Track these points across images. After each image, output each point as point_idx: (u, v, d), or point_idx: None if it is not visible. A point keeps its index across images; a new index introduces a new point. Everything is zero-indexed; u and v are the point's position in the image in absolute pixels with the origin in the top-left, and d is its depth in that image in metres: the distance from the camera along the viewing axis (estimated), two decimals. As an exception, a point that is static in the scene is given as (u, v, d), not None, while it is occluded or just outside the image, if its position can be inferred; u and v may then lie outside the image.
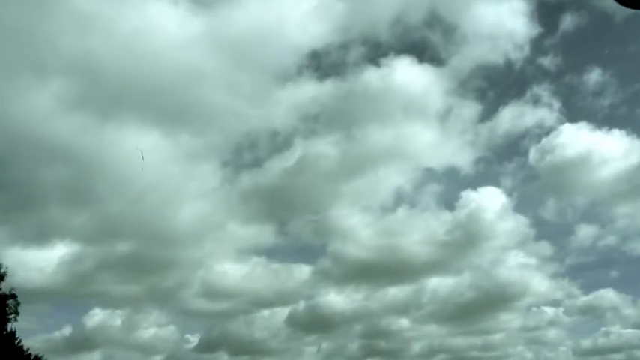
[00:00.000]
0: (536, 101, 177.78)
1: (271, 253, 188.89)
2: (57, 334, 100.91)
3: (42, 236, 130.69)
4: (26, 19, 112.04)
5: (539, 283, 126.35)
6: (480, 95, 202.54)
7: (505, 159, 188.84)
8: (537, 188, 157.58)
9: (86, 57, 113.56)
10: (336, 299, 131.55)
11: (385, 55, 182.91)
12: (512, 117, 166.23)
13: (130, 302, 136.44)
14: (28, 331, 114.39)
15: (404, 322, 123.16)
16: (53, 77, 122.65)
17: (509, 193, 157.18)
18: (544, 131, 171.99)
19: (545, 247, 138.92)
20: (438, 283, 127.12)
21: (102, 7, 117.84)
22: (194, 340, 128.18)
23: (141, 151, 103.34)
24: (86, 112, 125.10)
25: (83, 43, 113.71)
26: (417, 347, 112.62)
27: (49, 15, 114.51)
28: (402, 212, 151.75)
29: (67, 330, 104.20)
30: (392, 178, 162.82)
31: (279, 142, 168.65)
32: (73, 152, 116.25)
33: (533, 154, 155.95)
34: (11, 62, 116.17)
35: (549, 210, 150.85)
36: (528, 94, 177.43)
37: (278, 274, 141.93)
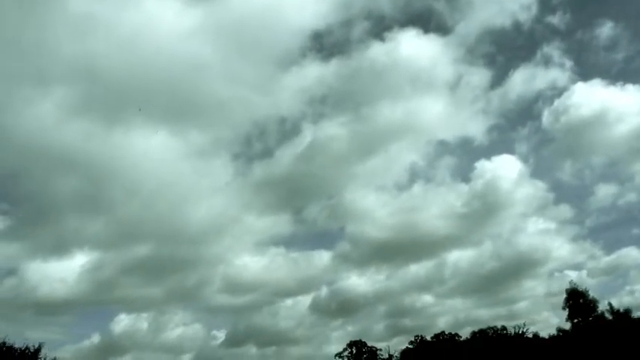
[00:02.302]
0: (547, 62, 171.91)
1: (289, 242, 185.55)
2: (86, 342, 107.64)
3: (60, 247, 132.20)
4: (22, 28, 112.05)
5: (561, 248, 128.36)
6: (489, 61, 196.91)
7: (519, 124, 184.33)
8: (553, 151, 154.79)
9: (86, 61, 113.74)
10: (358, 282, 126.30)
11: (389, 28, 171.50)
12: (524, 80, 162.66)
13: (154, 305, 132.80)
14: (57, 342, 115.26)
15: (427, 298, 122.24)
16: (55, 85, 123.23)
17: (524, 160, 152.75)
18: (557, 92, 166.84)
19: (565, 211, 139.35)
20: (459, 257, 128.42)
21: (97, 8, 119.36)
22: (221, 335, 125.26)
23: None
24: (92, 118, 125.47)
25: (82, 48, 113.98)
26: (442, 322, 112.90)
27: (45, 22, 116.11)
28: (417, 188, 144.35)
29: (95, 338, 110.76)
30: (405, 154, 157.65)
31: (288, 129, 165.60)
32: (82, 159, 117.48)
33: (546, 117, 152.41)
34: (11, 73, 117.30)
35: (567, 172, 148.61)
36: (539, 55, 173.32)
37: (298, 262, 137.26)
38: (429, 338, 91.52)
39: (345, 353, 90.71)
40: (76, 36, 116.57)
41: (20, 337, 24.28)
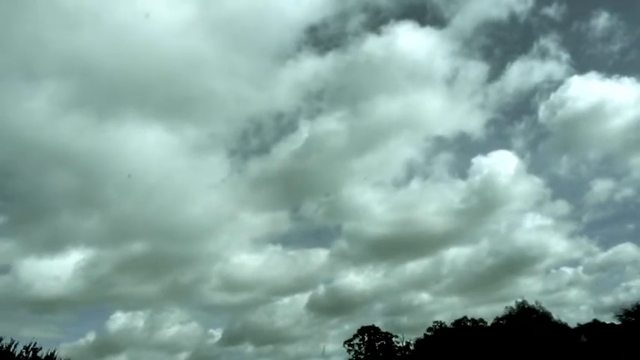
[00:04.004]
0: (543, 54, 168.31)
1: (286, 240, 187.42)
2: (81, 341, 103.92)
3: (54, 245, 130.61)
4: (12, 22, 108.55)
5: (558, 244, 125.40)
6: (486, 54, 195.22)
7: (515, 119, 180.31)
8: (550, 146, 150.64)
9: (77, 55, 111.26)
10: (356, 280, 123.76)
11: (385, 21, 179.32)
12: (520, 73, 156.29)
13: (150, 303, 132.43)
14: (52, 341, 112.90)
15: (425, 296, 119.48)
16: (46, 80, 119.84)
17: (521, 155, 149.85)
18: (553, 86, 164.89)
19: (562, 206, 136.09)
20: (457, 254, 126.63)
21: (89, 2, 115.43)
22: (217, 334, 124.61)
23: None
24: (84, 113, 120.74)
25: (74, 42, 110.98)
26: (439, 320, 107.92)
27: (36, 15, 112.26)
28: (415, 184, 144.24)
29: (91, 336, 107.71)
30: (402, 150, 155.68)
31: (285, 124, 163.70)
32: (75, 156, 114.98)
33: (543, 111, 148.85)
34: (2, 67, 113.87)
35: (563, 167, 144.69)
36: (535, 47, 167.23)
37: (295, 260, 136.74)
38: (449, 325, 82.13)
39: (356, 340, 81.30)
40: (68, 30, 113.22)
41: (15, 335, 19.76)
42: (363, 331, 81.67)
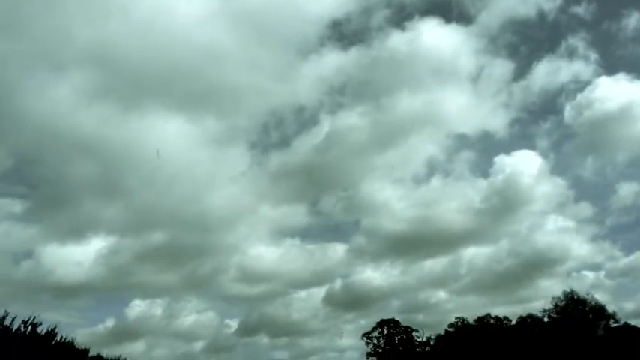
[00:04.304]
0: (571, 54, 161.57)
1: (305, 233, 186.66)
2: (101, 327, 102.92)
3: (77, 231, 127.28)
4: (38, 13, 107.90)
5: (580, 247, 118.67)
6: (512, 52, 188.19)
7: (540, 119, 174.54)
8: (575, 147, 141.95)
9: (102, 46, 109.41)
10: (373, 275, 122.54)
11: (410, 17, 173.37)
12: (547, 73, 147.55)
13: (168, 291, 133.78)
14: (72, 325, 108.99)
15: (442, 294, 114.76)
16: (71, 70, 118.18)
17: (545, 155, 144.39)
18: (580, 86, 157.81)
19: (585, 209, 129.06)
20: (476, 253, 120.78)
21: None
22: (234, 324, 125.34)
23: (157, 150, 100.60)
24: (108, 103, 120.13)
25: (98, 32, 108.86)
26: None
27: (61, 6, 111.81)
28: (435, 182, 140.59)
29: (110, 322, 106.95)
30: (424, 147, 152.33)
31: (306, 118, 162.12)
32: (98, 145, 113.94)
33: (569, 112, 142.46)
34: (28, 58, 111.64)
35: (588, 169, 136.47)
36: (563, 46, 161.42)
37: (313, 254, 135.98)
38: (471, 321, 79.44)
39: (375, 333, 79.21)
40: (95, 21, 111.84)
41: (38, 318, 18.22)
42: (382, 324, 79.58)
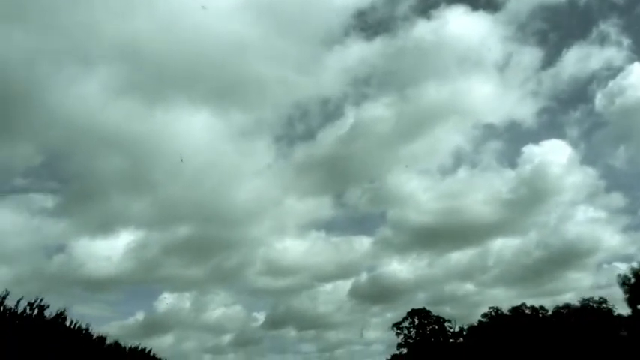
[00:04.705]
0: (602, 40, 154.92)
1: (330, 226, 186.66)
2: (131, 319, 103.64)
3: (106, 226, 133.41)
4: (65, 8, 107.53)
5: (611, 238, 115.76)
6: (541, 39, 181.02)
7: (570, 107, 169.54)
8: (606, 136, 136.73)
9: (128, 41, 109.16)
10: (399, 268, 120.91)
11: (436, 5, 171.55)
12: (577, 60, 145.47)
13: (196, 284, 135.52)
14: (104, 319, 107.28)
15: (469, 286, 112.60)
16: (98, 65, 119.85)
17: (575, 145, 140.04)
18: (611, 73, 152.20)
19: (617, 199, 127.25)
20: (503, 245, 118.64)
21: None
22: (261, 317, 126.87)
23: (180, 156, 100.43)
24: (135, 98, 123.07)
25: (124, 27, 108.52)
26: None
27: (87, 2, 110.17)
28: (462, 173, 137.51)
29: (140, 315, 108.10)
30: (450, 138, 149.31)
31: (331, 110, 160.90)
32: (126, 139, 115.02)
33: (600, 99, 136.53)
34: (56, 53, 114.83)
35: (620, 159, 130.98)
36: (594, 32, 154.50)
37: (338, 247, 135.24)
38: (505, 311, 76.70)
39: (406, 323, 77.17)
40: (121, 16, 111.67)
41: (69, 311, 17.81)
42: (413, 314, 77.49)
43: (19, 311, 15.68)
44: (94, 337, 20.37)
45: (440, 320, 76.37)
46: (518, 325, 72.26)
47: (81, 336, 18.78)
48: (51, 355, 15.12)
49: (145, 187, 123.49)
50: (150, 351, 24.90)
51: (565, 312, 75.21)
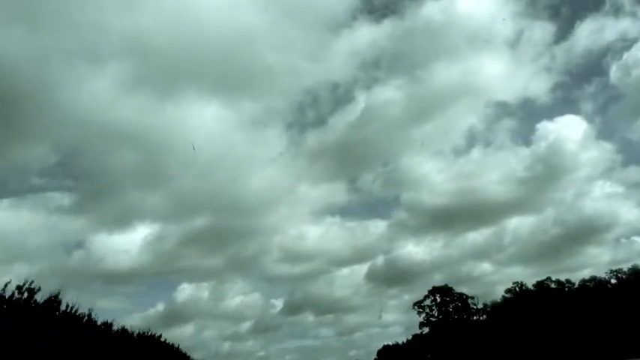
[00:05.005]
0: (617, 11, 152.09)
1: (345, 211, 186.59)
2: (152, 311, 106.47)
3: (123, 220, 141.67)
4: (74, 8, 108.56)
5: (629, 213, 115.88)
6: (553, 13, 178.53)
7: (584, 81, 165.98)
8: (622, 109, 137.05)
9: (136, 36, 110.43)
10: (415, 250, 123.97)
11: None
12: (591, 32, 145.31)
13: (214, 274, 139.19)
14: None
15: (486, 266, 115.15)
16: (108, 61, 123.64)
17: (590, 119, 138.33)
18: (627, 44, 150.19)
19: (635, 173, 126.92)
20: (519, 223, 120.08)
21: None
22: (279, 304, 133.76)
23: (193, 145, 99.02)
24: (145, 92, 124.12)
25: (131, 23, 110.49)
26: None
27: (96, 0, 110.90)
28: (476, 153, 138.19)
29: (160, 306, 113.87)
30: (463, 118, 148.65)
31: (341, 95, 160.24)
32: (138, 134, 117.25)
33: (615, 72, 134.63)
34: (67, 51, 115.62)
35: (637, 131, 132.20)
36: (608, 4, 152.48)
37: (354, 231, 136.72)
38: (530, 287, 74.29)
39: (427, 302, 75.12)
40: (128, 12, 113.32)
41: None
42: (434, 291, 75.37)
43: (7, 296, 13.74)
44: (99, 324, 18.55)
45: (463, 297, 74.26)
46: (544, 301, 69.92)
47: (82, 323, 16.85)
48: (43, 345, 13.17)
49: (159, 180, 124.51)
50: (160, 336, 23.18)
51: (592, 285, 72.80)
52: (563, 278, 72.92)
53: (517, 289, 74.15)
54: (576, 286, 72.88)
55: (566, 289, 72.16)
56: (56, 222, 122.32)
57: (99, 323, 18.72)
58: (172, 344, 25.82)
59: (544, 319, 65.36)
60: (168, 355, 23.82)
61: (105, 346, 17.02)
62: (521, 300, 71.19)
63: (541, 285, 73.88)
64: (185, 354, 29.79)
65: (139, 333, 19.97)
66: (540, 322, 65.49)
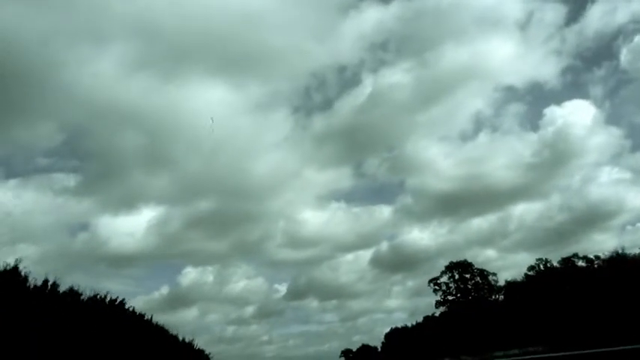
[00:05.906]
0: None
1: (350, 196, 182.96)
2: (156, 294, 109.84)
3: (128, 203, 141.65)
4: None
5: (636, 198, 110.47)
6: None
7: (594, 65, 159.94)
8: (632, 94, 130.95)
9: (140, 17, 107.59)
10: (420, 236, 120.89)
11: None
12: (603, 14, 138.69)
13: (218, 258, 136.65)
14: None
15: (491, 252, 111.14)
16: (113, 42, 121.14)
17: (599, 104, 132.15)
18: (639, 27, 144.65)
19: None
20: (525, 209, 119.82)
21: None
22: (282, 289, 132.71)
23: (211, 118, 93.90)
24: (150, 74, 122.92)
25: (136, 3, 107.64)
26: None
27: None
28: (483, 138, 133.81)
29: (164, 290, 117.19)
30: (470, 102, 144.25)
31: (348, 78, 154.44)
32: (143, 116, 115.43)
33: (625, 56, 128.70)
34: (70, 32, 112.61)
35: None
36: None
37: (358, 217, 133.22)
38: (555, 263, 69.35)
39: (444, 278, 70.15)
40: None
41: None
42: (452, 267, 70.38)
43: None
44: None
45: (484, 273, 69.27)
46: (570, 278, 65.09)
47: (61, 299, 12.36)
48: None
49: (164, 162, 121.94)
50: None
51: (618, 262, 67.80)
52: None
53: (541, 266, 69.19)
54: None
55: (596, 265, 67.15)
56: (62, 203, 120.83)
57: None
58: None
59: (569, 298, 60.66)
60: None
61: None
62: (544, 278, 66.34)
63: (566, 261, 68.94)
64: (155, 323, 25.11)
65: (90, 296, 15.23)
66: (565, 301, 60.83)
